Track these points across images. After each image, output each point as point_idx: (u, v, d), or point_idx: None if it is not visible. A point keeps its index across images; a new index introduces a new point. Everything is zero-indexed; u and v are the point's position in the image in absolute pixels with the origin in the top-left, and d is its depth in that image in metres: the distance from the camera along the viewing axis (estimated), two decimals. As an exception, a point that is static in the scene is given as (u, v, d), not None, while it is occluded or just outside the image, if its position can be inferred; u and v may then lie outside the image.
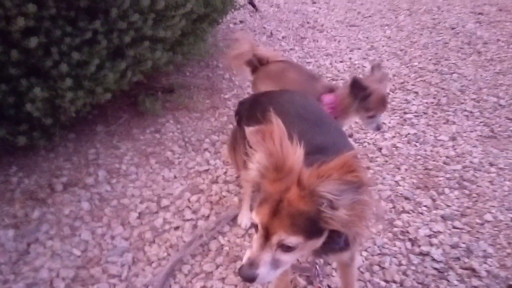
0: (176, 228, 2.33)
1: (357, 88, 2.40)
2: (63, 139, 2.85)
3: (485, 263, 2.22)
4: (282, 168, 1.21)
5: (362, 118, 2.56)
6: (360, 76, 2.79)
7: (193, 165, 2.78)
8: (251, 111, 2.05)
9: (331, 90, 2.56)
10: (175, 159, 2.82)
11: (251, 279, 1.24)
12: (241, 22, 5.02)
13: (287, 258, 1.26)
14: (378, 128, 2.58)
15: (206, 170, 2.75)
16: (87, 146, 2.86)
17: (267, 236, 1.22)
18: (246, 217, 2.35)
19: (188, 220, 2.37)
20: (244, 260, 1.27)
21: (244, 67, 2.85)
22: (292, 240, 1.20)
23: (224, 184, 2.64)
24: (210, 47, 3.59)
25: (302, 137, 1.70)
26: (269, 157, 1.21)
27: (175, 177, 2.68)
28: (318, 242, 1.28)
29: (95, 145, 2.87)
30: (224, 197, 2.55)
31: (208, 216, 2.41)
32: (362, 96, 2.41)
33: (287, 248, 1.22)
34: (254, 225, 1.29)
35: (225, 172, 2.72)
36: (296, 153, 1.22)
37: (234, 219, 2.39)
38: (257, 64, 2.79)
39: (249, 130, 1.25)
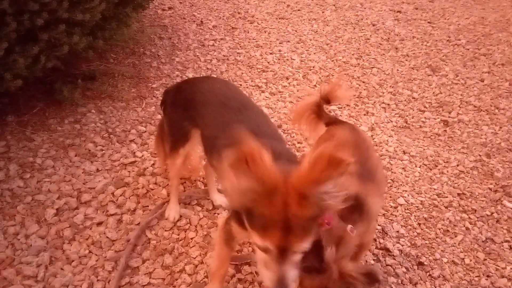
0: (99, 223, 2.21)
1: None
2: (-34, 130, 2.57)
3: (398, 243, 2.42)
4: (272, 187, 1.16)
5: None
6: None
7: (118, 157, 2.65)
8: (175, 99, 2.03)
9: None
10: (98, 151, 2.67)
11: None
12: (170, 8, 4.86)
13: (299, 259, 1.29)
14: None
15: (132, 162, 2.64)
16: (-5, 138, 2.60)
17: (282, 253, 1.22)
18: (174, 210, 2.31)
19: (112, 215, 2.27)
20: (271, 283, 1.25)
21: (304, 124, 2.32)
22: (307, 244, 1.23)
23: (152, 177, 2.56)
24: (135, 33, 3.42)
25: (227, 127, 1.72)
26: (258, 182, 1.14)
27: (97, 170, 2.54)
28: None
29: (5, 136, 2.62)
30: (152, 189, 2.48)
31: (134, 210, 2.33)
32: None
33: (301, 252, 1.25)
34: (262, 248, 1.25)
35: (153, 164, 2.64)
36: (273, 167, 1.16)
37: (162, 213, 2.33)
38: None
39: (228, 157, 1.14)
